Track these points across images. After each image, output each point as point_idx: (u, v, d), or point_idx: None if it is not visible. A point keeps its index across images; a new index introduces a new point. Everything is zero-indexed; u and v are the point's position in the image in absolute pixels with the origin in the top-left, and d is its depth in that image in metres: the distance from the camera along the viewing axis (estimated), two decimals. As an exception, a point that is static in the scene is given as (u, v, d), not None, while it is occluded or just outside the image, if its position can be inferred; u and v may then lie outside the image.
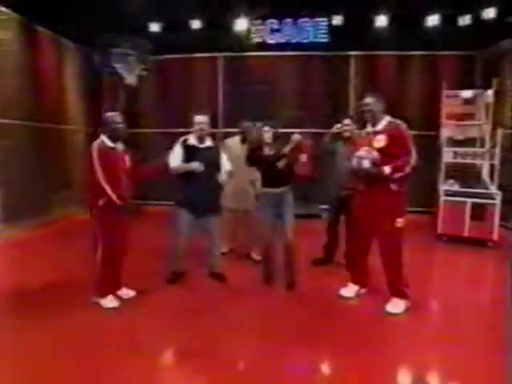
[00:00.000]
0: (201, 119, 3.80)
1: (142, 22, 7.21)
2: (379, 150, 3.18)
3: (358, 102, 4.09)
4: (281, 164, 3.61)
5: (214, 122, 7.46)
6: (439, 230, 5.55)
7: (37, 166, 6.23)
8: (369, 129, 3.36)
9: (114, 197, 3.18)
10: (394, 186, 3.18)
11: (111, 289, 3.45)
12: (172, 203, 3.97)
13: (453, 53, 7.17)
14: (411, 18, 6.81)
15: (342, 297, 3.60)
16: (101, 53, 6.58)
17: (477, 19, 6.54)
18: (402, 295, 3.30)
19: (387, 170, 3.11)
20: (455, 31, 6.72)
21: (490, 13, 6.43)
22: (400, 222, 3.21)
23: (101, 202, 3.20)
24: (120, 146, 3.40)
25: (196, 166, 3.70)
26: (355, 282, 3.63)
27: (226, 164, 3.93)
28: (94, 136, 3.63)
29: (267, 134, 3.72)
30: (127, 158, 3.45)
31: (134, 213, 7.28)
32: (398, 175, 3.11)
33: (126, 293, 3.59)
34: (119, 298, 3.50)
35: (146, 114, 8.01)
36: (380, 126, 3.25)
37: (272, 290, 3.81)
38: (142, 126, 7.91)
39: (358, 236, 3.51)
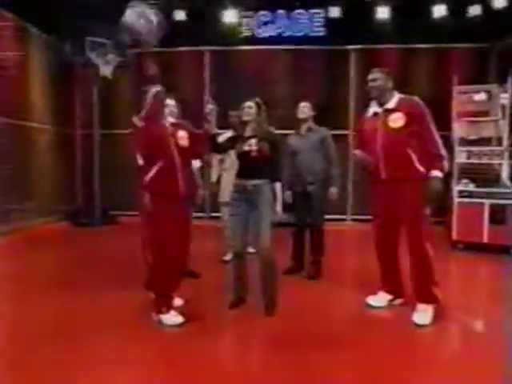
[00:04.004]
0: (168, 102, 3.59)
1: (121, 13, 6.99)
2: (398, 130, 2.93)
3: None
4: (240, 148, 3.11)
5: (199, 121, 7.23)
6: (454, 236, 5.16)
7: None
8: (375, 108, 3.11)
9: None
10: (420, 167, 2.91)
11: (170, 300, 2.97)
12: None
13: (463, 45, 6.97)
14: (416, 8, 6.64)
15: (369, 306, 3.23)
16: (73, 41, 6.34)
17: (488, 9, 6.37)
18: (431, 298, 2.95)
19: (438, 173, 2.85)
20: (465, 22, 6.55)
21: (501, 2, 6.27)
22: (428, 208, 2.93)
23: (146, 181, 2.88)
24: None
25: None
26: (387, 291, 3.28)
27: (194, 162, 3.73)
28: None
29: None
30: (183, 136, 2.98)
31: (108, 223, 6.95)
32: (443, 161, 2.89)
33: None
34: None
35: (124, 113, 7.66)
36: (391, 104, 3.01)
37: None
38: (118, 127, 7.56)
39: (385, 235, 3.16)
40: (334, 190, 3.95)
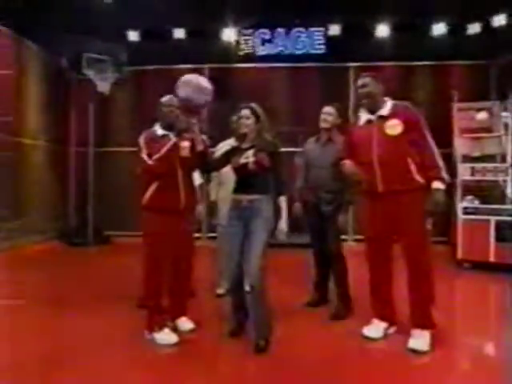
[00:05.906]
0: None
1: (119, 29, 7.13)
2: (396, 138, 2.78)
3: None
4: (236, 161, 2.84)
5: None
6: (459, 255, 5.10)
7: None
8: (368, 116, 2.95)
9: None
10: (419, 178, 2.77)
11: (163, 319, 2.91)
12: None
13: (463, 62, 7.10)
14: (415, 26, 6.79)
15: (367, 338, 2.94)
16: (70, 57, 6.41)
17: (487, 26, 6.53)
18: (428, 324, 2.80)
19: (440, 185, 2.73)
20: (464, 39, 6.69)
21: (500, 20, 6.43)
22: (429, 222, 2.80)
23: (144, 199, 2.86)
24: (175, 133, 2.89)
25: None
26: (381, 318, 3.02)
27: (196, 177, 3.49)
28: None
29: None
30: (186, 146, 2.88)
31: (102, 243, 6.86)
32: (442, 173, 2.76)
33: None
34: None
35: (120, 131, 7.70)
36: (386, 110, 2.87)
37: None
38: (115, 145, 7.58)
39: (378, 255, 2.97)
40: (341, 219, 3.40)
